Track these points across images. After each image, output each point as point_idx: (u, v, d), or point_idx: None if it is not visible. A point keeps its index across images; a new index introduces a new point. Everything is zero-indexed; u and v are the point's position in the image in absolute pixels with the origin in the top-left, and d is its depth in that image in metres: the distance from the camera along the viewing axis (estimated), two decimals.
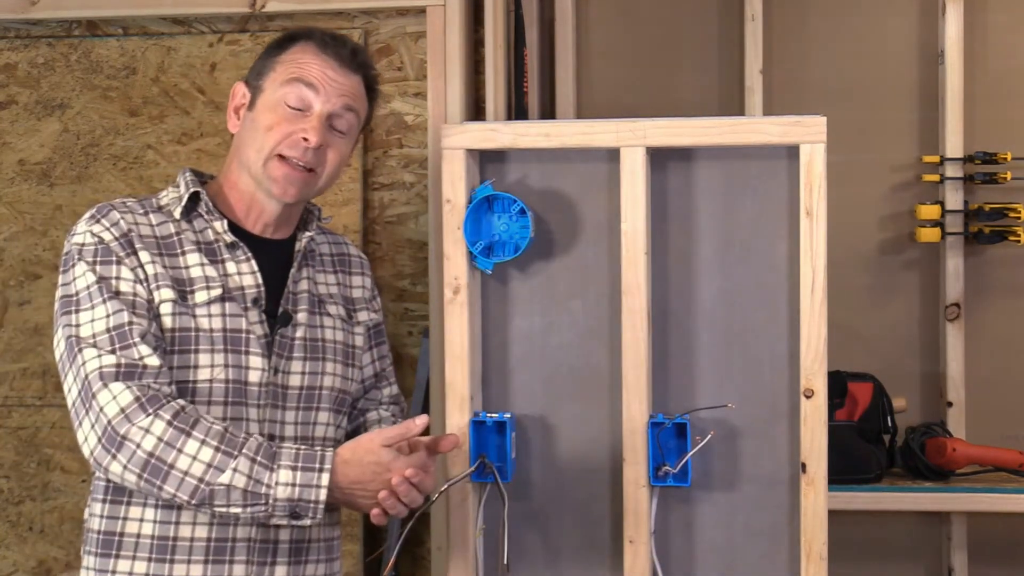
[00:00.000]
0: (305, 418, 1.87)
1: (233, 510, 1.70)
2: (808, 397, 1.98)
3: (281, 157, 1.84)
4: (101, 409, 1.70)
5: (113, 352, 1.72)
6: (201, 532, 1.78)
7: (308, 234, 1.93)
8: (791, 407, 2.01)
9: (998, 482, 2.80)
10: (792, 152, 1.99)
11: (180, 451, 1.69)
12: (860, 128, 3.02)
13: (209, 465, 1.69)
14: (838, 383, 2.79)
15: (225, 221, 1.86)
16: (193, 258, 1.83)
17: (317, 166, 1.86)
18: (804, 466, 1.99)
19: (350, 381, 1.97)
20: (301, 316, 1.89)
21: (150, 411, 1.70)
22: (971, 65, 2.96)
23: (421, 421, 1.75)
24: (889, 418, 2.85)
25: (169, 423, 1.70)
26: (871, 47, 3.04)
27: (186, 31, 2.56)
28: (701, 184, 2.04)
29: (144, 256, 1.80)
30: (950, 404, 2.95)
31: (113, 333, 1.74)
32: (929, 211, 2.93)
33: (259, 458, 1.70)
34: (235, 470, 1.69)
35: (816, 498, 1.98)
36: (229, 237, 1.85)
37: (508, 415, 2.04)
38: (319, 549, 1.90)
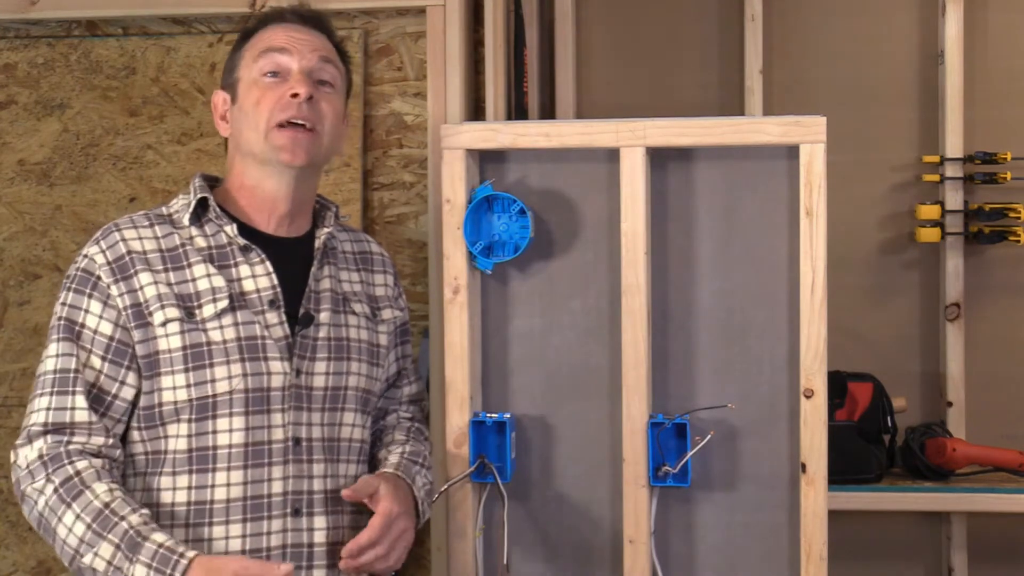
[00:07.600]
0: (331, 419, 1.85)
1: None
2: (808, 397, 1.98)
3: (280, 125, 1.83)
4: (15, 462, 1.77)
5: (52, 395, 1.77)
6: (235, 545, 1.77)
7: (327, 230, 1.91)
8: (791, 407, 2.01)
9: (998, 482, 2.80)
10: (792, 152, 1.99)
11: (60, 520, 1.71)
12: (860, 128, 3.01)
13: (81, 540, 1.69)
14: (838, 383, 2.79)
15: (235, 225, 1.84)
16: (200, 269, 1.81)
17: (316, 123, 1.85)
18: (804, 466, 1.99)
19: (375, 381, 1.94)
20: (324, 316, 1.86)
21: (47, 472, 1.73)
22: (971, 65, 2.96)
23: (285, 568, 1.67)
24: (889, 418, 2.85)
25: (56, 490, 1.72)
26: (871, 47, 3.04)
27: (186, 31, 2.56)
28: (701, 184, 2.04)
29: (144, 278, 1.79)
30: (950, 404, 2.95)
31: (58, 376, 1.78)
32: (929, 211, 2.93)
33: (123, 546, 1.68)
34: (97, 554, 1.68)
35: (816, 498, 1.99)
36: (241, 241, 1.84)
37: (508, 415, 2.05)
38: None
